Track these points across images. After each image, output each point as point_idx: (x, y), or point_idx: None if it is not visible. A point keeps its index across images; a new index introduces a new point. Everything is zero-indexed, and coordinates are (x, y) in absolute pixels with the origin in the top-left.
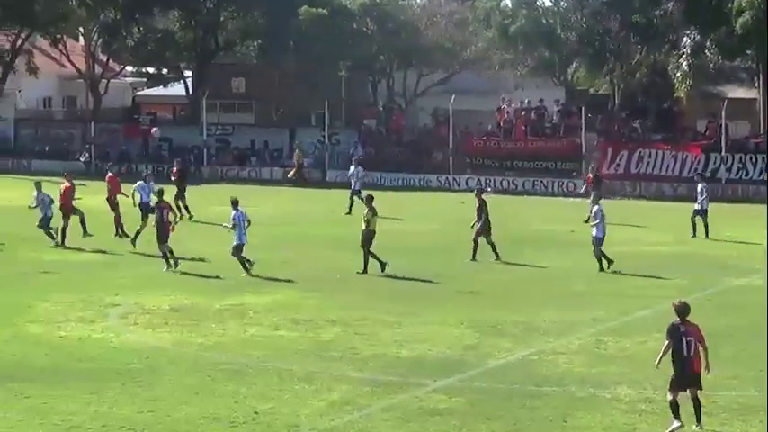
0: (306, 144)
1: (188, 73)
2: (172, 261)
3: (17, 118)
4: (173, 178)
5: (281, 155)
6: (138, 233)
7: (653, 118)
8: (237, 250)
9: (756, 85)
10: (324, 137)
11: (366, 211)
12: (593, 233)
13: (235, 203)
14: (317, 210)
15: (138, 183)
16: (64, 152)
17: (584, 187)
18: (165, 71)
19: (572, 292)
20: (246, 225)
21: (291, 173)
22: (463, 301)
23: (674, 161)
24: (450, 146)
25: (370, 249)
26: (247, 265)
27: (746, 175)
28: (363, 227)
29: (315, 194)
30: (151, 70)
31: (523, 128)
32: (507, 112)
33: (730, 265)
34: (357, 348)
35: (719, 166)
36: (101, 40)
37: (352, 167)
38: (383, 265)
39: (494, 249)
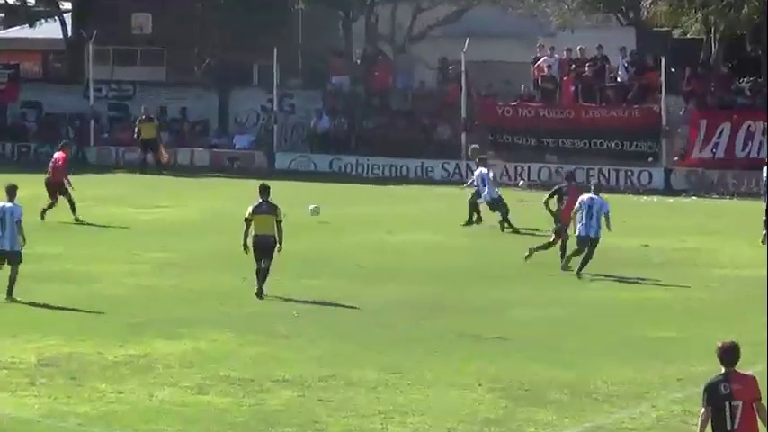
0: (244, 112)
1: (67, 5)
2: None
3: None
4: (54, 168)
5: (206, 129)
6: None
7: None
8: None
9: None
10: (271, 102)
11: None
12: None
13: (10, 191)
14: None
15: None
16: None
17: None
18: (31, 1)
19: (646, 336)
20: (17, 227)
21: (159, 154)
22: (482, 350)
23: None
24: (463, 116)
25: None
26: (13, 291)
27: None
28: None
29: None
30: (11, 1)
31: (573, 89)
32: (549, 66)
33: None
34: (321, 423)
35: None
36: None
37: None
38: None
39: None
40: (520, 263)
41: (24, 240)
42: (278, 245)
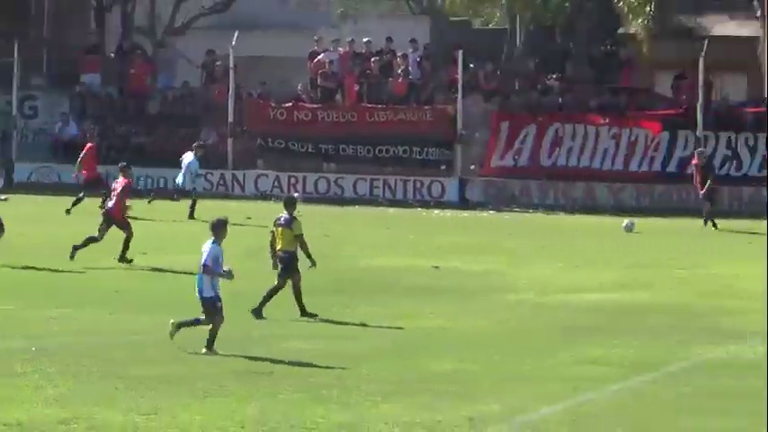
0: None
1: None
2: None
3: None
4: None
5: None
6: None
7: (581, 70)
8: None
9: (759, 13)
10: (10, 104)
11: None
12: None
13: None
14: None
15: None
16: None
17: None
18: None
19: (431, 371)
20: None
21: None
22: (252, 389)
23: (615, 145)
24: (230, 120)
25: None
26: None
27: (739, 168)
28: None
29: None
30: None
31: (356, 88)
32: (329, 62)
33: (718, 324)
34: None
35: (692, 153)
36: None
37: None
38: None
39: None
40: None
41: None
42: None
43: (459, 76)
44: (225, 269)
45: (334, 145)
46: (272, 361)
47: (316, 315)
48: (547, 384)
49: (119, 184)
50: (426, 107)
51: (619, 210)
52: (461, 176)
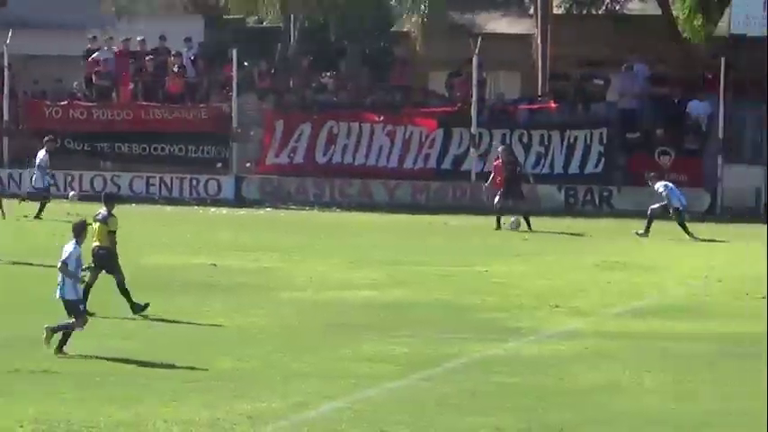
0: None
1: None
2: None
3: None
4: None
5: None
6: None
7: (356, 68)
8: None
9: (532, 11)
10: None
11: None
12: None
13: None
14: None
15: None
16: None
17: None
18: None
19: (214, 369)
20: None
21: None
22: (24, 388)
23: (390, 142)
24: (6, 118)
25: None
26: None
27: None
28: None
29: None
30: None
31: (131, 87)
32: (104, 60)
33: (493, 321)
34: None
35: (467, 149)
36: None
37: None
38: None
39: None
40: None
41: None
42: None
43: (234, 74)
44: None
45: (109, 143)
46: (54, 361)
47: (147, 305)
48: (326, 381)
49: None
50: (202, 106)
51: (394, 207)
52: (237, 174)
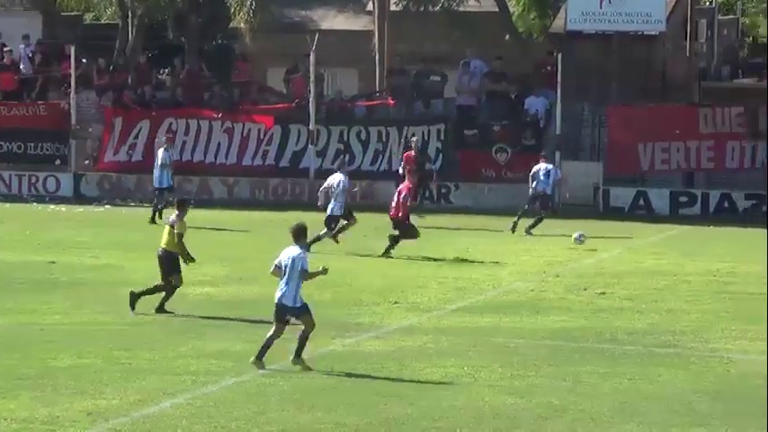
0: None
1: None
2: None
3: None
4: None
5: None
6: None
7: (194, 64)
8: None
9: (370, 7)
10: None
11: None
12: None
13: None
14: None
15: None
16: None
17: None
18: None
19: (51, 367)
20: None
21: None
22: None
23: (228, 139)
24: None
25: None
26: None
27: (352, 161)
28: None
29: None
30: None
31: None
32: None
33: (330, 317)
34: None
35: (306, 146)
36: None
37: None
38: None
39: None
40: None
41: None
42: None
43: (72, 71)
44: None
45: None
46: None
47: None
48: (167, 378)
49: None
50: (40, 102)
51: (233, 204)
52: (76, 171)
